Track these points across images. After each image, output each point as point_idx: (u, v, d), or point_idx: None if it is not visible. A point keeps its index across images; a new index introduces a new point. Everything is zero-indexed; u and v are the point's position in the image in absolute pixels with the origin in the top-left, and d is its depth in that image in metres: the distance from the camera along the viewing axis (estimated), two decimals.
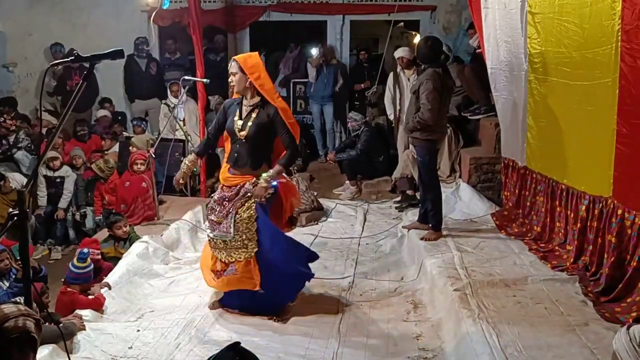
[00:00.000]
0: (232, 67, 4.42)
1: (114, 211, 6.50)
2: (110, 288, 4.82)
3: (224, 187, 4.55)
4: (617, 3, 4.02)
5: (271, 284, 4.43)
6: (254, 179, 4.41)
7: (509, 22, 5.74)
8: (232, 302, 4.67)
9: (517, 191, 6.09)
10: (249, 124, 4.40)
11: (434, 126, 5.55)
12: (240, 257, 4.42)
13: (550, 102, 5.27)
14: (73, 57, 2.62)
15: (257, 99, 4.43)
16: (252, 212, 4.38)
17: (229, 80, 4.51)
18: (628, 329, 2.26)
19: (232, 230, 4.41)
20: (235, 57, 4.47)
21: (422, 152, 5.70)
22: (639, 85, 3.91)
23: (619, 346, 2.25)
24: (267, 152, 4.53)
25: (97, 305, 4.55)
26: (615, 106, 4.17)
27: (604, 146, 4.34)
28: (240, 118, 4.46)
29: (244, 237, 4.39)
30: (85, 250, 4.74)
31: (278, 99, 4.47)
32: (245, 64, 4.36)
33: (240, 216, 4.39)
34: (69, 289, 4.57)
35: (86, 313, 4.36)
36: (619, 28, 4.03)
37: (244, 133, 4.41)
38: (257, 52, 4.56)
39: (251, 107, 4.44)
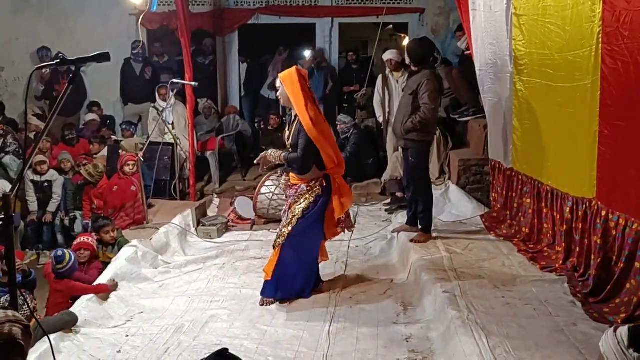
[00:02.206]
0: (277, 81, 4.79)
1: (102, 215, 6.47)
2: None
3: (290, 186, 4.90)
4: (598, 5, 4.05)
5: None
6: (311, 182, 4.76)
7: (494, 24, 5.78)
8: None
9: (504, 193, 6.11)
10: (292, 132, 4.76)
11: (430, 127, 5.62)
12: (277, 243, 4.82)
13: (534, 103, 5.31)
14: (59, 60, 2.61)
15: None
16: (301, 208, 4.73)
17: (277, 94, 4.87)
18: (615, 331, 2.24)
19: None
20: (279, 74, 4.83)
21: (416, 154, 5.68)
22: (620, 87, 3.93)
23: (606, 349, 2.23)
24: (311, 158, 4.73)
25: (104, 290, 4.80)
26: (596, 108, 4.20)
27: (587, 147, 4.37)
28: (289, 128, 4.84)
29: (286, 225, 4.79)
30: (60, 252, 4.85)
31: (304, 111, 4.60)
32: (284, 78, 4.68)
33: (293, 211, 4.77)
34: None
35: (79, 310, 4.47)
36: (600, 30, 4.05)
37: (289, 142, 4.80)
38: (294, 67, 4.78)
39: (293, 118, 4.78)
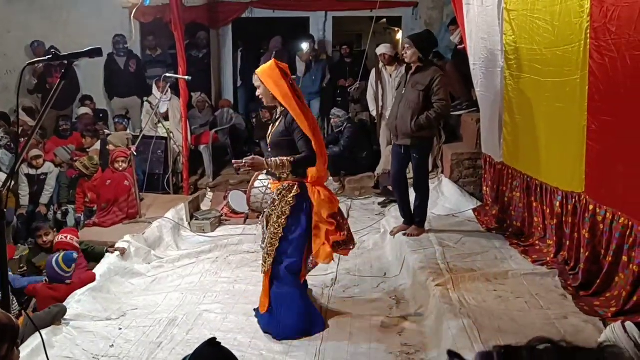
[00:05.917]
0: (255, 80, 4.17)
1: (92, 209, 6.48)
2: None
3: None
4: (586, 1, 4.06)
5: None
6: (282, 188, 4.19)
7: (485, 18, 5.79)
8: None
9: (495, 187, 6.14)
10: (273, 131, 4.26)
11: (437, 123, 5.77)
12: (263, 268, 4.26)
13: (523, 98, 5.33)
14: (51, 56, 2.61)
15: (282, 108, 4.19)
16: (280, 220, 4.12)
17: (257, 94, 4.26)
18: (623, 326, 2.23)
19: (265, 235, 4.27)
20: (256, 71, 4.19)
21: (421, 151, 5.62)
22: (607, 82, 3.95)
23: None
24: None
25: (89, 280, 4.83)
26: (585, 103, 4.22)
27: (575, 142, 4.40)
28: (273, 127, 4.32)
29: (267, 247, 4.18)
30: (75, 255, 4.74)
31: (299, 112, 4.05)
32: (263, 74, 4.11)
33: (270, 228, 4.18)
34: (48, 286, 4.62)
35: (71, 304, 4.48)
36: (588, 26, 4.08)
37: (269, 140, 4.30)
38: (272, 60, 4.21)
39: (278, 117, 4.28)
